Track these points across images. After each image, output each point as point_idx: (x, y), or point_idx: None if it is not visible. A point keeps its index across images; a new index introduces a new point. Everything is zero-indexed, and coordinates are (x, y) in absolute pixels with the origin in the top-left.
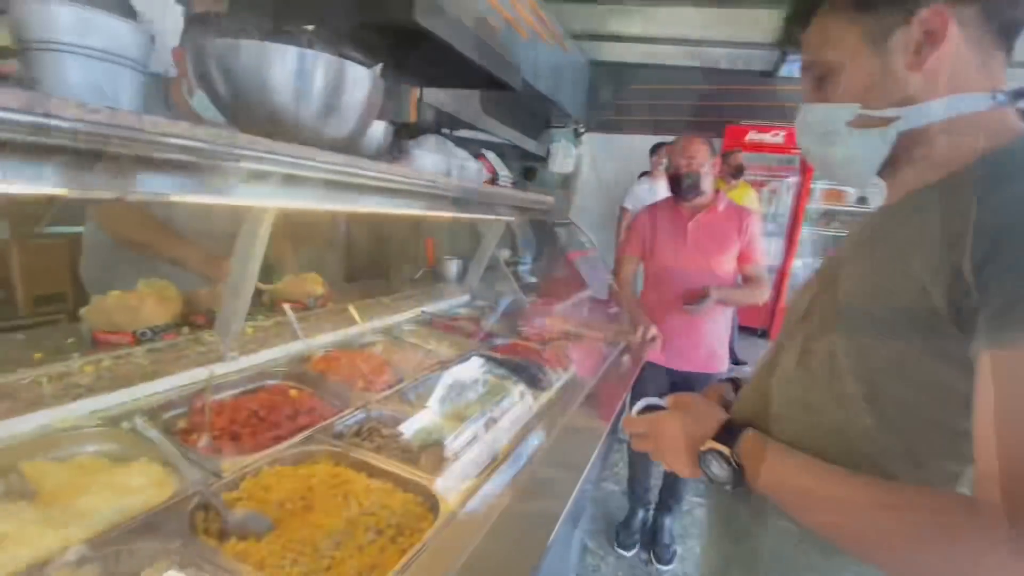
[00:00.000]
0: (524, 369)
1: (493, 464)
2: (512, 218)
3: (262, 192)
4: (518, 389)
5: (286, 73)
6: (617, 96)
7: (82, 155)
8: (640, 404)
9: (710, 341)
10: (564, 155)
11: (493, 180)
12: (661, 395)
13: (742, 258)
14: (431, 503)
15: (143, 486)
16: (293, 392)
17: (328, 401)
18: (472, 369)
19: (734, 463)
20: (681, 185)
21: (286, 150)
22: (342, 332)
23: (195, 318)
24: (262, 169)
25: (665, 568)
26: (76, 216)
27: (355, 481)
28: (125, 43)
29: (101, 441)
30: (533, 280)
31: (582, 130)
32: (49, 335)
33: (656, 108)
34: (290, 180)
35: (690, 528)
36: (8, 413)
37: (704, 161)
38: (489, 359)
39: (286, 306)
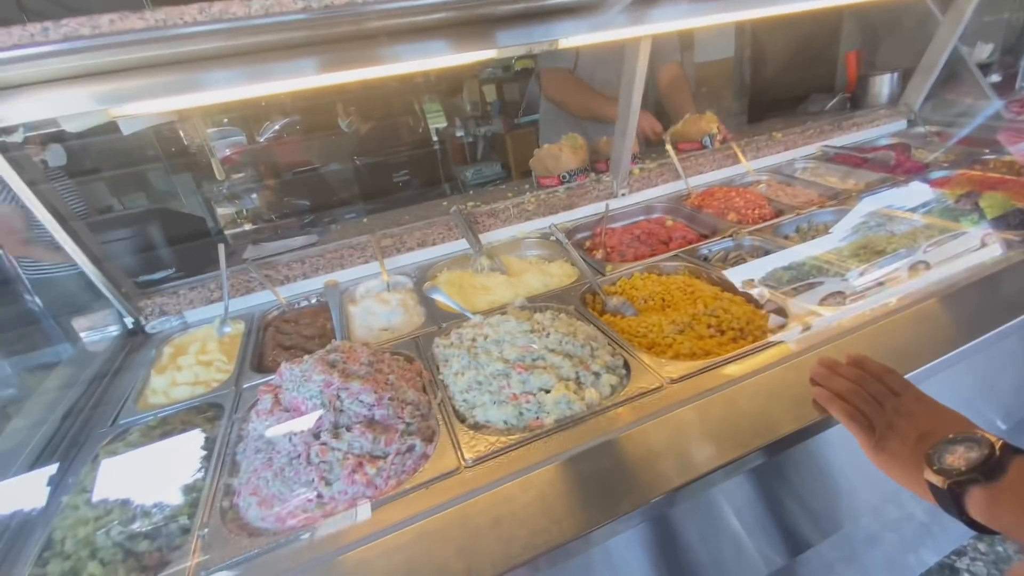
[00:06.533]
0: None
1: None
2: None
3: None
4: (980, 232)
5: None
6: None
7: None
8: None
9: None
10: None
11: None
12: None
13: None
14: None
15: (559, 275)
16: (669, 222)
17: (697, 230)
18: (905, 197)
19: None
20: None
21: None
22: (724, 171)
23: (599, 165)
24: None
25: None
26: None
27: (706, 291)
28: None
29: (539, 247)
30: None
31: None
32: (518, 183)
33: None
34: None
35: None
36: (495, 225)
37: None
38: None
39: (668, 147)
